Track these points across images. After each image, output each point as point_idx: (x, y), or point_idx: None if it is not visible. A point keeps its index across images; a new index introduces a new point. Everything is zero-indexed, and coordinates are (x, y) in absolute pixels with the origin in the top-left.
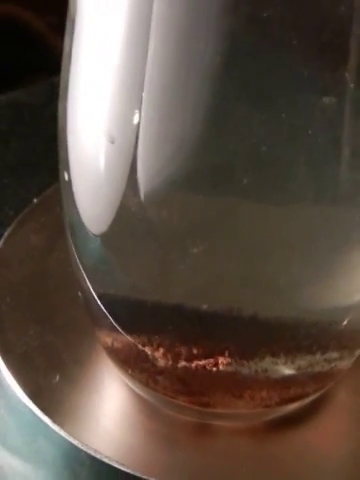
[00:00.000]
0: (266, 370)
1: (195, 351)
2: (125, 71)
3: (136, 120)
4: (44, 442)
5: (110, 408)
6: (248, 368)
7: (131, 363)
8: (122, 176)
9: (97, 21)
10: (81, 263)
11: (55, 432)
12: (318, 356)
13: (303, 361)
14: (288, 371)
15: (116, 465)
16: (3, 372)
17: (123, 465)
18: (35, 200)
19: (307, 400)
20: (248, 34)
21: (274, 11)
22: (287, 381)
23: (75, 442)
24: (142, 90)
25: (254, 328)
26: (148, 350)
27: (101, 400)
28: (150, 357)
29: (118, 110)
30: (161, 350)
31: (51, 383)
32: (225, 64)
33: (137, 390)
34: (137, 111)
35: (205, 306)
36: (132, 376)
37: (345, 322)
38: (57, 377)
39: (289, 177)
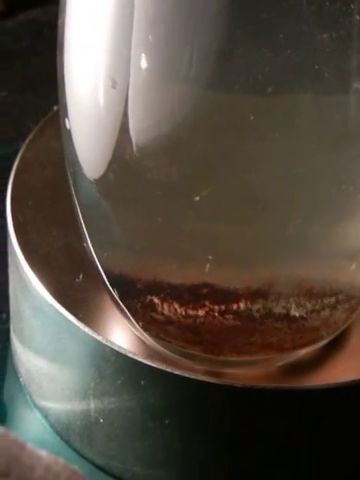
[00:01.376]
0: (277, 314)
1: (204, 299)
2: (127, 13)
3: (139, 64)
4: (69, 341)
5: None
6: (259, 313)
7: (140, 314)
8: (120, 122)
9: None
10: (83, 216)
11: (80, 330)
12: (329, 299)
13: (314, 305)
14: (300, 315)
15: (140, 360)
16: (27, 273)
17: (147, 360)
18: (55, 107)
19: (319, 344)
20: None
21: None
22: (299, 325)
23: (99, 338)
24: (145, 32)
25: (264, 272)
26: (156, 299)
27: None
28: (158, 307)
29: (120, 53)
30: (169, 299)
31: (74, 282)
32: (227, 3)
33: (148, 343)
34: (140, 54)
35: (212, 254)
36: (143, 328)
37: (354, 265)
38: (80, 276)
39: (295, 117)
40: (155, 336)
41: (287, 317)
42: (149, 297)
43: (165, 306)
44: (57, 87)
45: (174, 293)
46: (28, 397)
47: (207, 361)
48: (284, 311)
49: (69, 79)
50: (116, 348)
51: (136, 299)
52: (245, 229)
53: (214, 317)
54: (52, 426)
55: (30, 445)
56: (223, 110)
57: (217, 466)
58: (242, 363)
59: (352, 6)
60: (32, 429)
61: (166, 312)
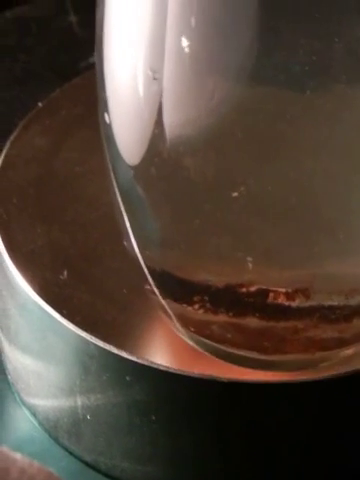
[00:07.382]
0: (320, 312)
1: (246, 298)
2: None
3: (179, 54)
4: (54, 338)
5: (118, 300)
6: (302, 311)
7: (183, 315)
8: (159, 114)
9: None
10: (126, 212)
11: (64, 326)
12: None
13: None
14: (343, 313)
15: (125, 356)
16: (11, 271)
17: (132, 355)
18: (40, 104)
19: None
20: None
21: None
22: (343, 322)
23: (83, 335)
24: (186, 21)
25: (307, 270)
26: (198, 299)
27: (108, 294)
28: (201, 307)
29: (160, 44)
30: (211, 299)
31: (59, 279)
32: None
33: (189, 341)
34: (180, 45)
35: (253, 252)
36: (186, 328)
37: None
38: (65, 273)
39: (336, 112)
40: (199, 334)
41: (330, 315)
42: (191, 297)
43: (207, 306)
44: (48, 77)
45: (216, 292)
46: (16, 395)
47: (252, 362)
48: (327, 309)
49: (109, 73)
50: (100, 344)
51: (179, 299)
52: (286, 226)
53: (257, 316)
54: (40, 423)
55: (4, 448)
56: (264, 104)
57: (205, 461)
58: (287, 363)
59: None
60: (20, 427)
61: (208, 312)
